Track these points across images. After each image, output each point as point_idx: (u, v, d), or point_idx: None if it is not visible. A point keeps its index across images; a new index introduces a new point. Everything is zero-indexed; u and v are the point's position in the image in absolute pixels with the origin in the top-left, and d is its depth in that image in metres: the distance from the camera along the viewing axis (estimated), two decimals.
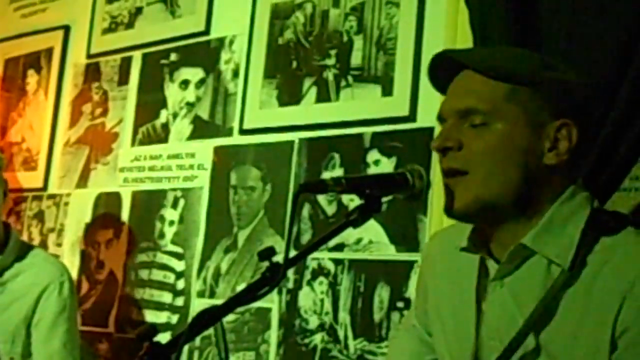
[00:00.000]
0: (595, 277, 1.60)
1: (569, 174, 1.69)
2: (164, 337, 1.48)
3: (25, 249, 3.15)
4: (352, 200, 2.78)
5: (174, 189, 3.52)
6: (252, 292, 1.57)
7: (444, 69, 1.73)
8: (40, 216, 4.01)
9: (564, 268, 1.61)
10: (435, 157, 2.72)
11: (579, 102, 1.71)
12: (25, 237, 3.89)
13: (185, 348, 3.26)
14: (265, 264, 1.56)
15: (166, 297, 3.43)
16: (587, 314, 1.59)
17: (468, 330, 1.75)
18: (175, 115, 3.60)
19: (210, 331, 3.06)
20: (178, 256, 3.44)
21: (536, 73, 1.65)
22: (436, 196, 2.69)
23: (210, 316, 1.56)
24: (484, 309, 1.73)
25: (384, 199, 1.75)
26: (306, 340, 2.98)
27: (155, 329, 1.49)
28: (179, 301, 3.39)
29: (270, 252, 1.55)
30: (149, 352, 1.45)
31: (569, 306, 1.61)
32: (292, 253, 1.61)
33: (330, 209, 2.99)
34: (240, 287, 3.09)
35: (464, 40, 2.65)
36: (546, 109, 1.64)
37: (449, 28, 2.76)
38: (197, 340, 3.26)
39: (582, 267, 1.61)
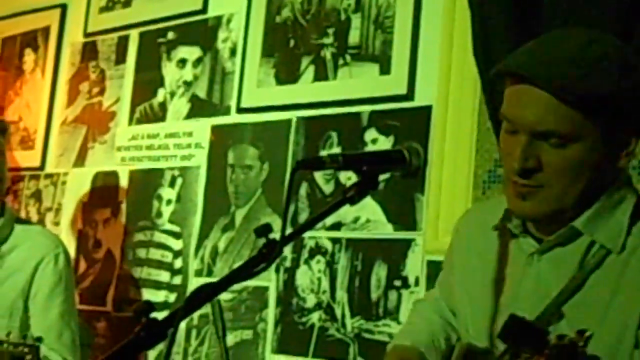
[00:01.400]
0: (630, 257, 1.62)
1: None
2: (161, 316, 1.48)
3: (20, 224, 3.15)
4: (349, 179, 2.78)
5: (172, 168, 3.51)
6: (249, 269, 1.56)
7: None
8: (37, 195, 4.01)
9: (615, 252, 1.63)
10: (433, 135, 2.73)
11: None
12: (22, 217, 3.89)
13: (183, 327, 3.27)
14: (262, 241, 1.56)
15: (164, 276, 3.44)
16: (619, 292, 1.61)
17: (491, 304, 1.77)
18: (172, 94, 3.59)
19: (208, 310, 3.08)
20: (175, 235, 3.44)
21: (617, 92, 1.58)
22: (434, 175, 2.70)
23: (207, 292, 1.55)
24: (518, 281, 1.74)
25: (382, 177, 1.75)
26: (303, 319, 2.99)
27: (152, 305, 1.49)
28: (177, 280, 3.39)
29: (266, 229, 1.55)
30: (145, 328, 1.44)
31: (601, 284, 1.63)
32: (289, 231, 1.62)
33: (328, 188, 2.99)
34: None
35: (462, 18, 2.65)
36: (625, 126, 1.63)
37: (447, 6, 2.76)
38: (195, 319, 3.26)
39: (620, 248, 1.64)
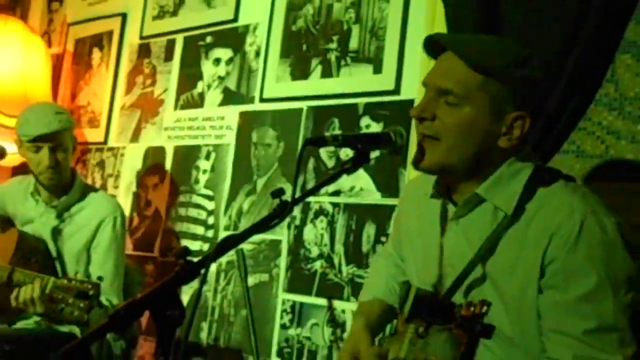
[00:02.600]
0: (532, 220, 1.62)
1: (515, 153, 1.68)
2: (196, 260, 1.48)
3: (87, 190, 3.15)
4: (347, 156, 2.76)
5: (207, 145, 3.51)
6: (266, 223, 1.57)
7: (436, 46, 1.71)
8: (101, 164, 4.02)
9: (507, 213, 1.62)
10: (414, 122, 2.72)
11: (537, 98, 1.69)
12: (89, 181, 3.90)
13: (213, 270, 3.29)
14: (277, 202, 1.56)
15: (199, 230, 3.44)
16: (524, 249, 1.60)
17: (433, 258, 1.76)
18: (209, 86, 3.58)
19: (233, 257, 3.08)
20: (209, 198, 3.44)
21: (508, 70, 1.61)
22: (414, 154, 2.69)
23: (232, 241, 1.55)
24: (443, 243, 1.75)
25: (373, 155, 1.76)
26: (309, 266, 2.99)
27: (189, 250, 1.49)
28: (210, 233, 3.40)
29: (280, 192, 1.56)
30: (183, 268, 1.45)
31: (510, 243, 1.63)
32: (299, 194, 1.63)
33: (330, 163, 2.98)
34: None
35: (440, 30, 2.63)
36: (509, 101, 1.62)
37: (428, 20, 2.73)
38: (223, 264, 3.27)
39: (522, 212, 1.63)
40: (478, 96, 1.61)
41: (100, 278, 2.51)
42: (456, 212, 1.70)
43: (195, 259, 1.47)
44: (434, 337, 1.23)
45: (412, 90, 2.78)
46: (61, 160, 2.98)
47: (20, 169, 3.14)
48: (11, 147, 3.25)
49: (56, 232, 3.05)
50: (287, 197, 1.56)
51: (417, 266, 1.84)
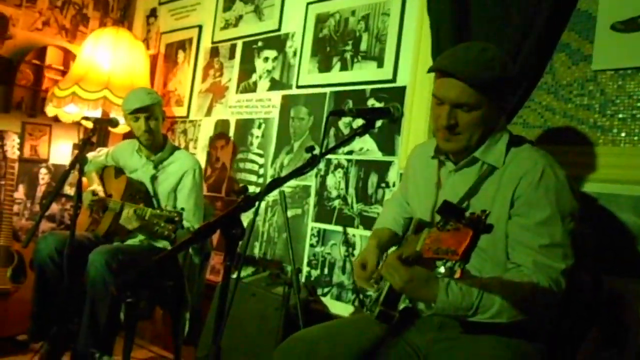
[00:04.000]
0: (506, 169, 1.63)
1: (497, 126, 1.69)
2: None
3: (175, 149, 3.16)
4: (358, 125, 2.74)
5: (259, 118, 3.47)
6: (300, 171, 1.56)
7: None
8: (185, 132, 4.00)
9: (498, 167, 1.64)
10: (406, 101, 2.67)
11: (516, 85, 1.76)
12: (176, 144, 3.89)
13: (263, 206, 3.28)
14: (308, 155, 1.55)
15: (253, 178, 3.43)
16: (500, 188, 1.61)
17: (431, 198, 1.77)
18: (260, 77, 3.53)
19: (277, 197, 3.06)
20: (260, 155, 3.42)
21: (497, 80, 1.57)
22: (405, 124, 2.65)
23: (277, 183, 1.55)
24: (443, 186, 1.75)
25: (377, 124, 1.73)
26: (330, 204, 2.97)
27: (247, 188, 1.48)
28: (260, 180, 3.38)
29: (312, 148, 1.56)
30: (243, 200, 1.44)
31: (490, 185, 1.64)
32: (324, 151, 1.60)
33: (346, 131, 2.95)
34: None
35: (426, 37, 2.59)
36: (506, 95, 1.63)
37: (417, 28, 2.68)
38: (270, 202, 3.27)
39: (500, 164, 1.65)
40: (482, 100, 1.59)
41: (182, 209, 2.52)
42: (457, 167, 1.72)
43: (251, 196, 1.46)
44: (445, 232, 1.24)
45: (405, 79, 2.73)
46: (153, 127, 3.00)
47: (128, 135, 3.15)
48: (122, 120, 3.26)
49: (153, 178, 3.06)
50: (316, 152, 1.55)
51: (420, 204, 1.84)
